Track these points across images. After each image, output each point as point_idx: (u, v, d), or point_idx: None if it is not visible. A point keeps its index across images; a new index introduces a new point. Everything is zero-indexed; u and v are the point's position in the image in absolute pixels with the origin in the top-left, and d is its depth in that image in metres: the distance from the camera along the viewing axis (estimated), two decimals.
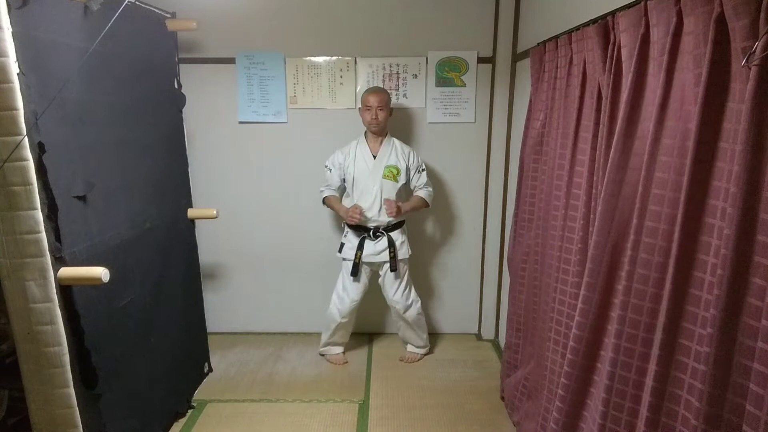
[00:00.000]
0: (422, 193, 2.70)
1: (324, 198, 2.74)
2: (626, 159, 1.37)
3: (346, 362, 2.89)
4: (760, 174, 0.94)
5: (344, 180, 2.66)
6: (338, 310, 2.77)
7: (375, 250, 2.65)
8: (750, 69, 0.93)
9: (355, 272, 2.66)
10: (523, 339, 2.29)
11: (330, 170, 2.70)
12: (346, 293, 2.73)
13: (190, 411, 2.42)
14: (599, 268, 1.46)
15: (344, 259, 2.72)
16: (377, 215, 2.61)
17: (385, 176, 2.59)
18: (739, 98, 1.00)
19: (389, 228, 2.65)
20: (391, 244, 2.63)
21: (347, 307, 2.74)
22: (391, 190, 2.60)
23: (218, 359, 2.90)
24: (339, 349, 2.93)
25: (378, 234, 2.64)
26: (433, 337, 3.14)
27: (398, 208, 2.56)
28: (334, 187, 2.71)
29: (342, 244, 2.72)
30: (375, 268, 2.76)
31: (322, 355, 2.95)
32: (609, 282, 1.45)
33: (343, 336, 2.89)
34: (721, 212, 1.06)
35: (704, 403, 1.04)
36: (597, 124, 1.58)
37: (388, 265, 2.67)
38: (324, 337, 2.90)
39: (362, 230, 2.64)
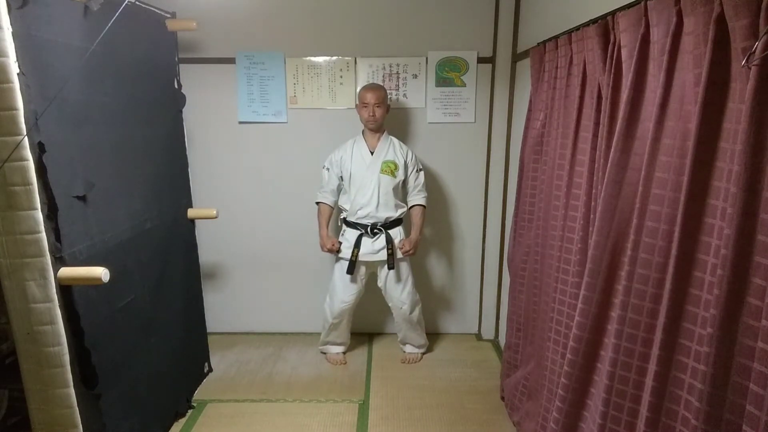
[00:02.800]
0: (420, 200, 2.69)
1: (318, 204, 2.73)
2: (626, 159, 1.37)
3: (344, 363, 2.88)
4: (760, 174, 0.94)
5: (341, 178, 2.65)
6: (329, 311, 2.78)
7: (373, 248, 2.63)
8: (750, 69, 0.93)
9: (351, 270, 2.64)
10: (523, 339, 2.29)
11: (328, 169, 2.68)
12: (337, 294, 2.73)
13: (190, 411, 2.42)
14: (599, 268, 1.46)
15: (341, 258, 2.70)
16: (375, 211, 2.59)
17: (383, 171, 2.58)
18: (739, 98, 1.00)
19: (387, 225, 2.64)
20: (389, 241, 2.62)
21: (337, 309, 2.73)
22: (388, 185, 2.58)
23: (218, 359, 2.90)
24: (338, 349, 2.93)
25: (376, 231, 2.62)
26: (433, 337, 3.14)
27: (414, 244, 2.63)
28: (330, 189, 2.69)
29: (340, 244, 2.70)
30: (372, 269, 2.74)
31: (323, 353, 2.96)
32: (609, 282, 1.45)
33: (339, 336, 2.88)
34: (721, 212, 1.06)
35: (704, 403, 1.04)
36: (597, 124, 1.58)
37: (386, 265, 2.65)
38: (322, 335, 2.91)
39: (359, 227, 2.63)
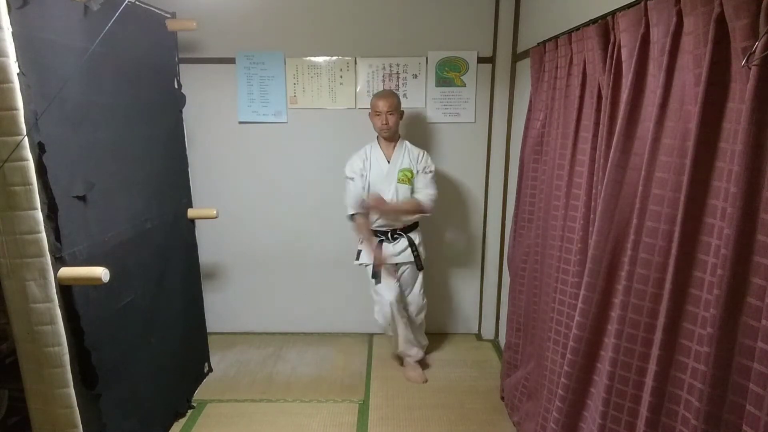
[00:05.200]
0: (419, 195, 2.57)
1: (353, 216, 2.56)
2: (626, 159, 1.37)
3: (426, 381, 2.72)
4: (760, 174, 0.94)
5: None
6: (382, 317, 2.66)
7: (394, 251, 2.60)
8: (750, 69, 0.93)
9: (377, 276, 2.60)
10: (523, 339, 2.29)
11: (353, 179, 2.55)
12: (382, 297, 2.63)
13: (190, 411, 2.42)
14: (599, 268, 1.46)
15: (365, 265, 2.66)
16: (393, 220, 2.56)
17: (399, 180, 2.53)
18: (739, 98, 1.00)
19: (406, 229, 2.61)
20: (411, 243, 2.60)
21: (388, 311, 2.61)
22: (406, 193, 2.54)
23: (218, 359, 2.90)
24: (416, 351, 2.78)
25: (396, 236, 2.60)
26: (433, 337, 3.13)
27: (385, 205, 2.46)
28: (358, 196, 2.54)
29: (359, 252, 2.65)
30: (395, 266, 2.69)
31: (400, 357, 2.84)
32: (609, 282, 1.45)
33: (407, 336, 2.71)
34: (721, 212, 1.06)
35: (704, 403, 1.04)
36: (597, 124, 1.58)
37: (406, 266, 2.63)
38: (393, 344, 2.80)
39: (379, 234, 2.60)
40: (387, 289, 2.64)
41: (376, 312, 2.73)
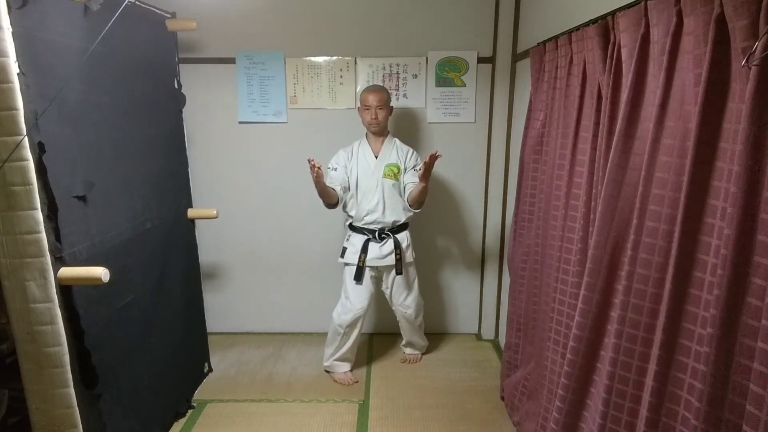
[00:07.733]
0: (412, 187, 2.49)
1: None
2: (626, 159, 1.37)
3: (356, 381, 2.70)
4: (760, 174, 0.94)
5: (348, 185, 2.56)
6: (341, 320, 2.61)
7: (380, 253, 2.56)
8: (750, 69, 0.93)
9: (359, 276, 2.57)
10: (523, 339, 2.29)
11: (335, 169, 2.55)
12: (350, 302, 2.60)
13: (190, 411, 2.42)
14: (599, 268, 1.46)
15: (347, 264, 2.62)
16: (382, 216, 2.53)
17: (385, 175, 2.52)
18: (739, 98, 1.00)
19: (395, 229, 2.58)
20: (397, 246, 2.56)
21: (350, 317, 2.59)
22: (393, 189, 2.53)
23: (218, 359, 2.90)
24: (346, 367, 2.73)
25: (383, 236, 2.57)
26: (433, 337, 3.14)
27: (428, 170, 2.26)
28: (338, 183, 2.51)
29: (344, 249, 2.62)
30: (378, 273, 2.68)
31: (328, 371, 2.76)
32: (609, 282, 1.46)
33: (348, 350, 2.68)
34: (721, 212, 1.06)
35: (704, 403, 1.04)
36: (597, 124, 1.58)
37: (393, 270, 2.60)
38: (327, 351, 2.72)
39: (366, 233, 2.58)
40: (359, 297, 2.60)
41: (335, 311, 2.65)
